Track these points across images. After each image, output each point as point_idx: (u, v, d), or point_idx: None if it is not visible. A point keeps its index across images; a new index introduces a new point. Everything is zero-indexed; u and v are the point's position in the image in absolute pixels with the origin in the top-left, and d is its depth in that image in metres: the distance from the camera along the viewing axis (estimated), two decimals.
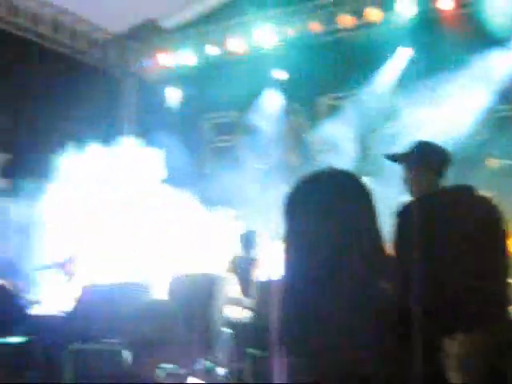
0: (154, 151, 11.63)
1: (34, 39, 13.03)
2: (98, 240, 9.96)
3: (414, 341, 1.80)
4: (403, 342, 1.76)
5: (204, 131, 14.81)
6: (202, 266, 9.22)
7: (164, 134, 13.12)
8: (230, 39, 13.90)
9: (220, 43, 14.03)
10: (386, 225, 2.67)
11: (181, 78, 14.61)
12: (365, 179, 2.04)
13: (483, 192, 4.19)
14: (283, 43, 13.54)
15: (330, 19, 12.93)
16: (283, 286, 1.85)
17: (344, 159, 11.23)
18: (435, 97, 11.16)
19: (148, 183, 11.21)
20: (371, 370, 1.66)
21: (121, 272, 9.04)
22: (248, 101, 13.94)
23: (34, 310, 8.33)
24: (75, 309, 7.34)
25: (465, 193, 3.89)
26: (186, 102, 14.63)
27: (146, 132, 12.59)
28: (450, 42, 11.25)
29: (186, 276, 7.71)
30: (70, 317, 7.29)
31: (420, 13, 11.96)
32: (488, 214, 3.78)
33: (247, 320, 7.05)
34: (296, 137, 13.79)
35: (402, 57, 12.34)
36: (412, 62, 12.16)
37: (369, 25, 12.48)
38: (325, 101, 13.47)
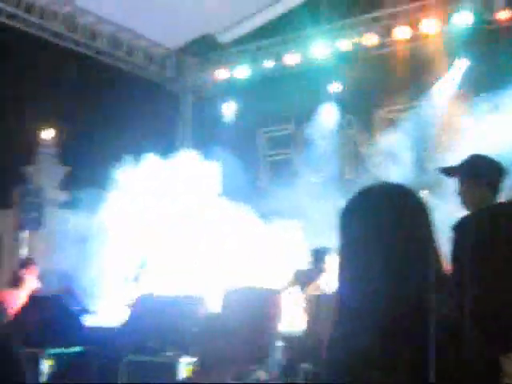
0: (211, 165, 11.72)
1: (93, 55, 13.29)
2: (155, 252, 10.04)
3: (470, 359, 1.77)
4: (459, 359, 1.73)
5: (260, 144, 14.84)
6: (257, 279, 9.21)
7: (220, 147, 13.22)
8: (285, 53, 13.93)
9: (276, 57, 14.07)
10: (444, 238, 2.63)
11: (237, 91, 14.70)
12: (422, 193, 2.02)
13: None
14: (339, 56, 13.51)
15: (385, 32, 12.86)
16: (336, 301, 1.83)
17: (401, 172, 11.12)
18: (494, 108, 10.99)
19: (205, 196, 11.28)
20: None
21: (176, 284, 9.11)
22: (304, 114, 13.94)
23: (90, 321, 8.45)
24: (130, 320, 7.41)
25: None
26: (242, 115, 14.69)
27: (202, 145, 12.70)
28: (507, 52, 11.08)
29: (241, 290, 7.71)
30: (125, 328, 7.36)
31: (476, 23, 11.81)
32: None
33: (301, 335, 7.02)
34: (352, 150, 13.71)
35: (458, 68, 12.18)
36: (469, 73, 11.98)
37: (425, 36, 12.37)
38: (381, 113, 13.36)
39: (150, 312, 7.01)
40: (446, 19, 12.05)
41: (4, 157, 11.25)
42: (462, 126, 11.36)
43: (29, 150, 12.64)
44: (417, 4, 12.43)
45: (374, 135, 13.31)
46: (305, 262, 10.48)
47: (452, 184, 4.45)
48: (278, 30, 14.12)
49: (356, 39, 13.14)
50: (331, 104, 13.73)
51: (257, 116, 14.29)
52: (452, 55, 12.18)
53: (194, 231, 10.76)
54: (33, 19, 12.06)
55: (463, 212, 4.21)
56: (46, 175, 12.74)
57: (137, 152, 11.01)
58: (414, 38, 12.51)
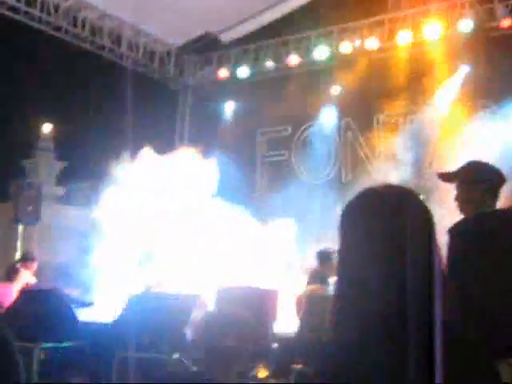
0: (208, 163, 11.71)
1: (94, 50, 13.26)
2: (151, 248, 10.01)
3: (467, 364, 1.75)
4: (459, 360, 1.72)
5: (258, 145, 14.84)
6: (252, 278, 9.21)
7: (218, 146, 13.22)
8: (286, 54, 13.93)
9: (277, 58, 14.08)
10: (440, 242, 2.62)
11: (237, 91, 14.70)
12: (420, 196, 2.01)
13: None
14: (340, 59, 13.52)
15: (387, 36, 12.86)
16: (335, 303, 1.82)
17: (399, 176, 11.11)
18: (494, 114, 11.01)
19: (201, 195, 11.27)
20: None
21: (172, 281, 9.08)
22: (303, 116, 13.95)
23: (85, 316, 8.43)
24: (124, 316, 7.39)
25: None
26: (242, 115, 14.69)
27: (201, 144, 12.67)
28: (508, 58, 11.09)
29: (235, 289, 7.71)
30: (119, 324, 7.34)
31: (478, 30, 11.82)
32: None
33: (294, 335, 7.01)
34: (350, 153, 13.72)
35: (460, 74, 12.18)
36: (470, 79, 11.98)
37: (427, 41, 12.37)
38: (380, 117, 13.37)
39: (145, 308, 7.00)
40: (449, 25, 12.06)
41: (1, 151, 11.23)
42: (462, 132, 11.37)
43: (26, 144, 12.62)
44: (420, 9, 12.44)
45: (372, 139, 13.31)
46: (299, 263, 10.50)
47: (449, 189, 4.46)
48: (279, 31, 14.11)
49: (357, 42, 13.13)
50: (331, 106, 13.74)
51: (256, 116, 14.28)
52: (453, 61, 12.19)
53: (190, 229, 10.75)
54: (34, 12, 12.04)
55: (459, 217, 4.21)
56: (44, 169, 12.73)
57: (135, 148, 10.99)
58: (416, 43, 12.51)
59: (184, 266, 9.86)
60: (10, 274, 9.01)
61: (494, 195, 4.16)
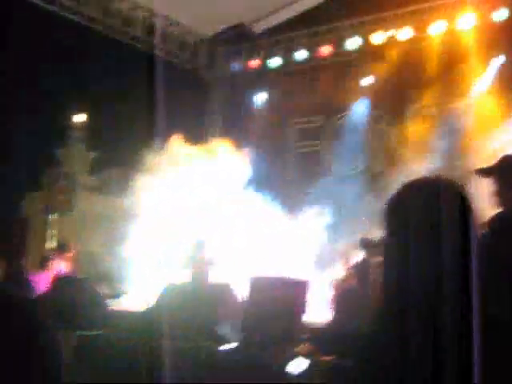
0: (240, 154, 11.70)
1: (126, 40, 13.30)
2: (181, 238, 10.03)
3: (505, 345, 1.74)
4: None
5: (289, 136, 14.80)
6: (283, 268, 9.20)
7: (249, 137, 13.21)
8: (318, 45, 13.86)
9: (308, 48, 14.01)
10: None
11: (268, 82, 14.66)
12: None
13: None
14: (372, 50, 13.41)
15: (421, 26, 12.72)
16: (382, 295, 1.80)
17: (430, 168, 11.01)
18: None
19: (232, 185, 11.28)
20: None
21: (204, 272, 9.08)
22: (334, 107, 13.88)
23: (115, 305, 8.48)
24: (156, 306, 7.41)
25: None
26: (273, 106, 14.66)
27: (231, 134, 12.67)
28: None
29: (266, 279, 7.69)
30: (150, 313, 7.37)
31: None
32: None
33: (327, 325, 6.98)
34: (381, 144, 13.62)
35: (494, 63, 12.01)
36: (505, 68, 11.81)
37: (460, 31, 12.22)
38: (412, 108, 13.24)
39: (177, 297, 7.00)
40: (483, 14, 11.90)
41: (34, 141, 11.32)
42: (496, 122, 11.23)
43: (59, 134, 12.71)
44: None
45: (404, 129, 13.21)
46: (330, 253, 10.49)
47: (480, 182, 4.41)
48: (311, 21, 14.04)
49: (389, 33, 13.02)
50: (362, 97, 13.65)
51: (287, 107, 14.25)
52: (487, 50, 12.02)
53: (222, 220, 10.76)
54: (67, 3, 12.11)
55: (490, 211, 4.17)
56: (76, 159, 12.82)
57: (166, 138, 11.01)
58: (449, 33, 12.36)
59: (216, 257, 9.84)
60: (44, 263, 9.10)
61: None
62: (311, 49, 14.03)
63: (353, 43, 13.42)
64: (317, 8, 14.07)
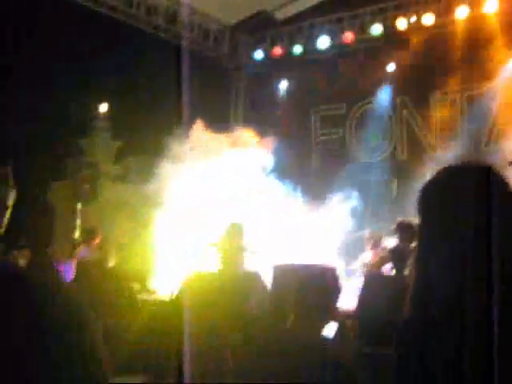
0: (262, 142, 11.68)
1: (148, 30, 13.32)
2: (205, 226, 10.02)
3: None
4: None
5: (312, 124, 14.76)
6: (307, 257, 9.17)
7: (273, 125, 13.18)
8: (340, 31, 13.79)
9: (331, 35, 13.93)
10: None
11: (291, 69, 14.61)
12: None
13: None
14: (395, 36, 13.31)
15: (444, 10, 12.59)
16: (414, 282, 1.78)
17: (456, 154, 10.94)
18: None
19: (256, 173, 11.26)
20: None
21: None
22: (357, 94, 13.82)
23: (141, 293, 8.52)
24: (180, 295, 7.40)
25: None
26: (296, 93, 14.62)
27: (255, 122, 12.65)
28: None
29: (291, 266, 7.64)
30: (174, 303, 7.36)
31: None
32: None
33: (357, 313, 6.96)
34: (405, 131, 13.54)
35: None
36: None
37: (485, 15, 12.08)
38: (436, 94, 13.14)
39: (207, 287, 6.93)
40: None
41: (59, 130, 11.37)
42: None
43: (83, 123, 12.75)
44: None
45: (429, 116, 13.12)
46: (355, 241, 10.45)
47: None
48: (333, 8, 13.95)
49: (413, 18, 12.90)
50: (386, 84, 13.57)
51: (310, 95, 14.21)
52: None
53: (245, 208, 10.73)
54: None
55: None
56: (100, 148, 12.87)
57: (189, 126, 11.00)
58: (473, 17, 12.21)
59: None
60: (71, 252, 9.18)
61: None
62: (334, 36, 13.94)
63: (376, 29, 13.32)
64: None
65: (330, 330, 3.72)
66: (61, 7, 10.95)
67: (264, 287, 6.64)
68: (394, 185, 12.82)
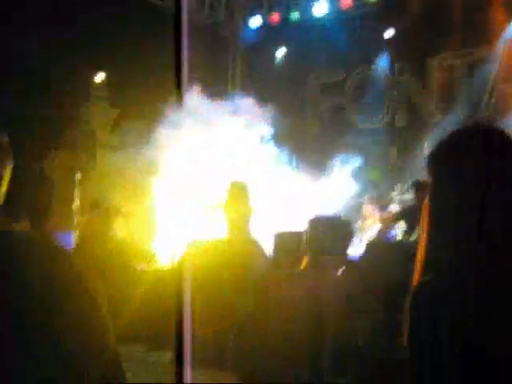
0: (260, 109, 11.61)
1: None
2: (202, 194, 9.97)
3: None
4: None
5: (311, 90, 14.67)
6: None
7: (271, 92, 13.09)
8: None
9: (329, 1, 13.79)
10: None
11: (289, 36, 14.48)
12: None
13: None
14: (392, 0, 13.17)
15: None
16: (425, 245, 1.74)
17: (454, 121, 10.87)
18: None
19: (254, 141, 11.21)
20: None
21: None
22: (355, 60, 13.73)
23: (141, 262, 8.51)
24: (180, 264, 7.39)
25: None
26: (294, 61, 14.51)
27: (253, 90, 12.57)
28: None
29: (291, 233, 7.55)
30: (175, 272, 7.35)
31: None
32: None
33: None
34: (403, 97, 13.48)
35: None
36: None
37: None
38: (434, 60, 13.04)
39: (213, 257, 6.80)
40: None
41: (57, 99, 11.30)
42: None
43: (80, 92, 12.67)
44: None
45: (426, 82, 13.05)
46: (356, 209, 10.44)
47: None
48: None
49: None
50: (384, 50, 13.47)
51: (308, 62, 14.11)
52: None
53: (243, 176, 10.67)
54: None
55: None
56: (98, 117, 12.81)
57: (187, 93, 10.91)
58: None
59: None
60: (70, 222, 9.17)
61: None
62: (331, 1, 13.80)
63: None
64: None
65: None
66: None
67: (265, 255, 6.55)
68: (394, 151, 12.79)
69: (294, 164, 11.29)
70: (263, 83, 14.00)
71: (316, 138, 13.92)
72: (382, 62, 13.58)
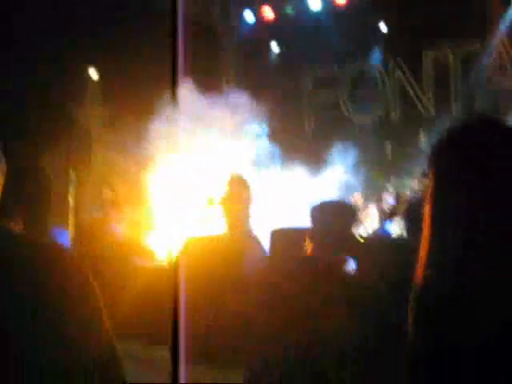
0: (254, 105, 11.59)
1: None
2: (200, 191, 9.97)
3: None
4: None
5: (305, 85, 14.65)
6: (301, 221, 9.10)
7: (265, 87, 13.06)
8: None
9: None
10: None
11: (283, 31, 14.45)
12: None
13: None
14: None
15: None
16: (429, 244, 1.72)
17: (451, 115, 10.91)
18: None
19: (248, 136, 11.20)
20: None
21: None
22: (351, 55, 13.70)
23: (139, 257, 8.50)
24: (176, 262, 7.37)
25: None
26: (288, 56, 14.49)
27: (246, 86, 12.55)
28: None
29: (290, 230, 7.53)
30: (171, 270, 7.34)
31: None
32: None
33: None
34: (399, 91, 13.48)
35: None
36: None
37: None
38: (430, 54, 13.05)
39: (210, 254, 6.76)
40: None
41: (50, 97, 11.26)
42: None
43: (74, 89, 12.64)
44: None
45: (422, 77, 13.05)
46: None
47: None
48: None
49: None
50: (378, 45, 13.46)
51: (302, 57, 14.08)
52: None
53: (237, 172, 10.63)
54: None
55: None
56: (93, 116, 12.78)
57: (181, 89, 10.89)
58: None
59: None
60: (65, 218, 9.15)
61: None
62: None
63: None
64: None
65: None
66: None
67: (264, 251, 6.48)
68: (389, 147, 12.80)
69: (289, 160, 11.27)
70: (258, 79, 13.98)
71: (311, 134, 13.91)
72: (376, 57, 13.57)
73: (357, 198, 10.73)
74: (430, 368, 1.62)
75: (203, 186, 9.73)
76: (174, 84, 9.37)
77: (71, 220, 9.45)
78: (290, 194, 10.51)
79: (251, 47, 15.01)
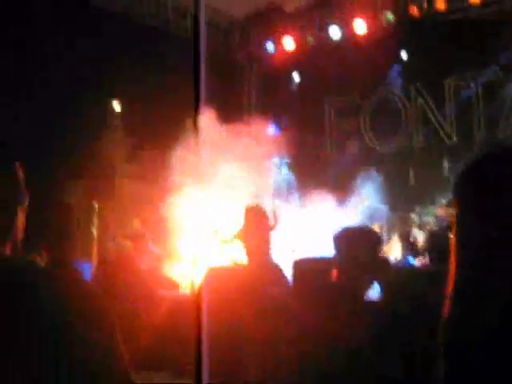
0: (276, 133, 11.62)
1: (158, 25, 13.26)
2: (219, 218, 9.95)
3: None
4: None
5: (326, 114, 14.67)
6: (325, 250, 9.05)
7: (286, 117, 13.12)
8: (352, 20, 13.67)
9: (342, 24, 13.82)
10: None
11: (303, 61, 14.52)
12: None
13: None
14: (407, 23, 13.19)
15: None
16: (457, 277, 1.70)
17: (474, 141, 10.85)
18: None
19: (270, 166, 11.20)
20: None
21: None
22: (371, 83, 13.73)
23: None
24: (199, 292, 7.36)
25: None
26: (309, 85, 14.53)
27: (268, 115, 12.59)
28: None
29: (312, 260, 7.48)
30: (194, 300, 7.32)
31: None
32: None
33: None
34: (421, 118, 13.46)
35: None
36: None
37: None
38: (450, 81, 13.03)
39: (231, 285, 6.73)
40: None
41: (74, 130, 11.35)
42: None
43: (97, 121, 12.74)
44: None
45: (443, 103, 13.02)
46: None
47: None
48: None
49: (424, 5, 12.79)
50: (400, 72, 13.48)
51: (323, 85, 14.12)
52: None
53: (257, 199, 10.63)
54: None
55: None
56: (115, 146, 12.86)
57: (203, 119, 10.92)
58: (488, 2, 12.07)
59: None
60: (89, 250, 9.17)
61: None
62: (345, 24, 13.83)
63: (387, 16, 13.21)
64: None
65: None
66: (72, 6, 10.96)
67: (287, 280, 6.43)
68: (411, 174, 12.75)
69: (311, 189, 11.26)
70: (279, 107, 14.03)
71: (332, 162, 13.90)
72: (398, 84, 13.58)
73: (381, 230, 10.68)
74: None
75: (224, 215, 9.76)
76: (196, 115, 9.44)
77: (95, 252, 9.46)
78: (314, 223, 10.48)
79: (272, 77, 15.08)
